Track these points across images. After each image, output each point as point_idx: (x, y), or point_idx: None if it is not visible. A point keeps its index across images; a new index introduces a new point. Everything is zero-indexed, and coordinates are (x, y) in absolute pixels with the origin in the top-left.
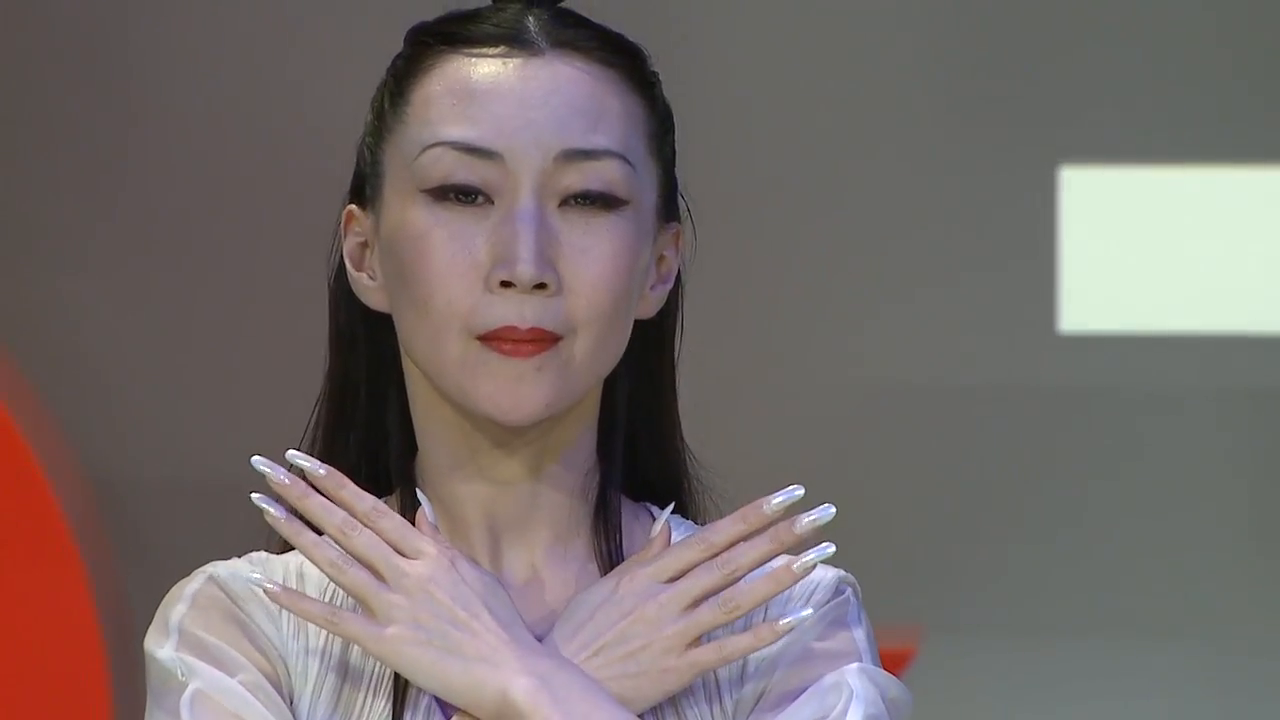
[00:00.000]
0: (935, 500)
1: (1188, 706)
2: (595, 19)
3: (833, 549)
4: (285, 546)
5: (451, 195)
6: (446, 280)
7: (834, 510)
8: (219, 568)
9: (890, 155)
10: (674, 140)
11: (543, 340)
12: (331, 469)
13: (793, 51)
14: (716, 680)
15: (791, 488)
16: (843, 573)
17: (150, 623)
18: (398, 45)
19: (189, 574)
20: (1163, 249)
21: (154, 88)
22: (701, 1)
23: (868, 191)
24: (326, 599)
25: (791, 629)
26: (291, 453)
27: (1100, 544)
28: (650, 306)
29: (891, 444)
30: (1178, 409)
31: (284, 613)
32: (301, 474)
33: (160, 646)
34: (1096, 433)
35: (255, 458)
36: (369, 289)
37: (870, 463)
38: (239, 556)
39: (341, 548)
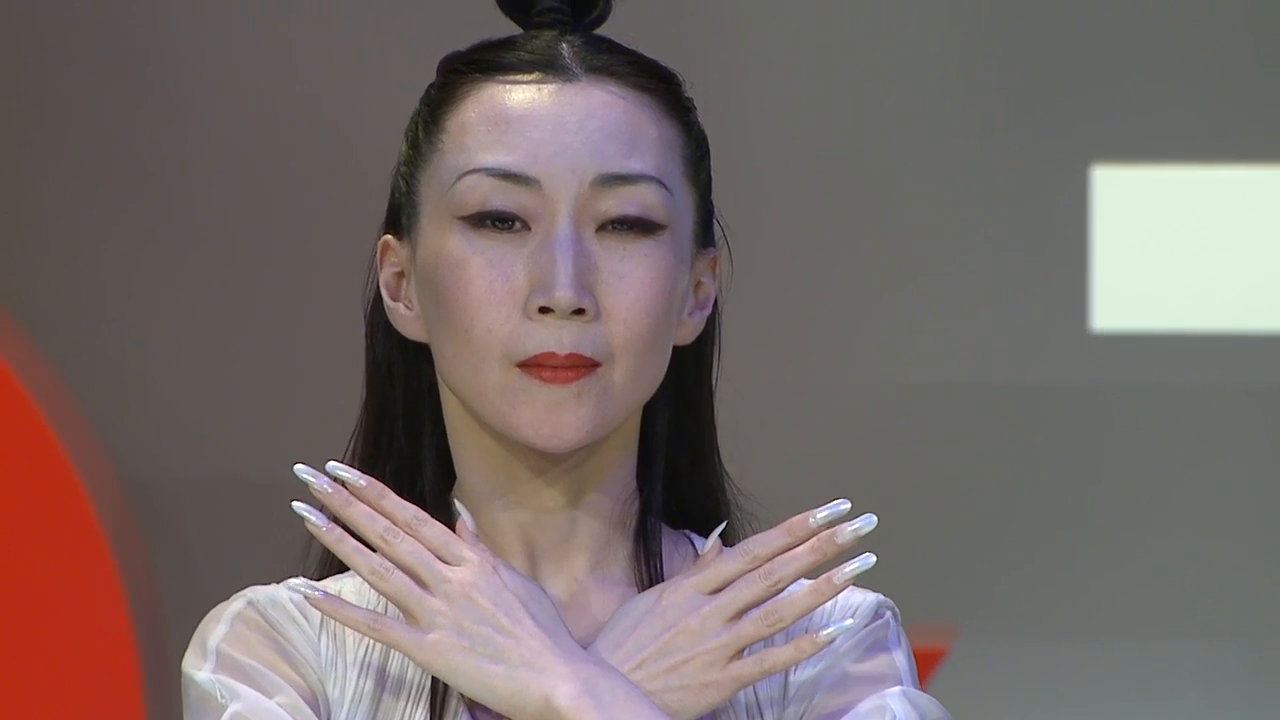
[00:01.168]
0: (968, 499)
1: (1222, 706)
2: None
3: (874, 560)
4: (323, 572)
5: (489, 222)
6: (485, 308)
7: (875, 520)
8: (257, 592)
9: (922, 156)
10: (710, 166)
11: (581, 366)
12: (372, 480)
13: (822, 53)
14: (758, 698)
15: (838, 501)
16: (882, 597)
17: (178, 625)
18: (425, 43)
19: (220, 575)
20: (1195, 247)
21: (184, 81)
22: (729, 6)
23: (899, 193)
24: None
25: (833, 640)
26: (332, 464)
27: (1135, 542)
28: (688, 333)
29: (924, 443)
30: (1211, 407)
31: (321, 634)
32: (343, 485)
33: (198, 669)
34: (1130, 431)
35: (298, 466)
36: (406, 319)
37: (903, 462)
38: (277, 582)
39: (383, 555)
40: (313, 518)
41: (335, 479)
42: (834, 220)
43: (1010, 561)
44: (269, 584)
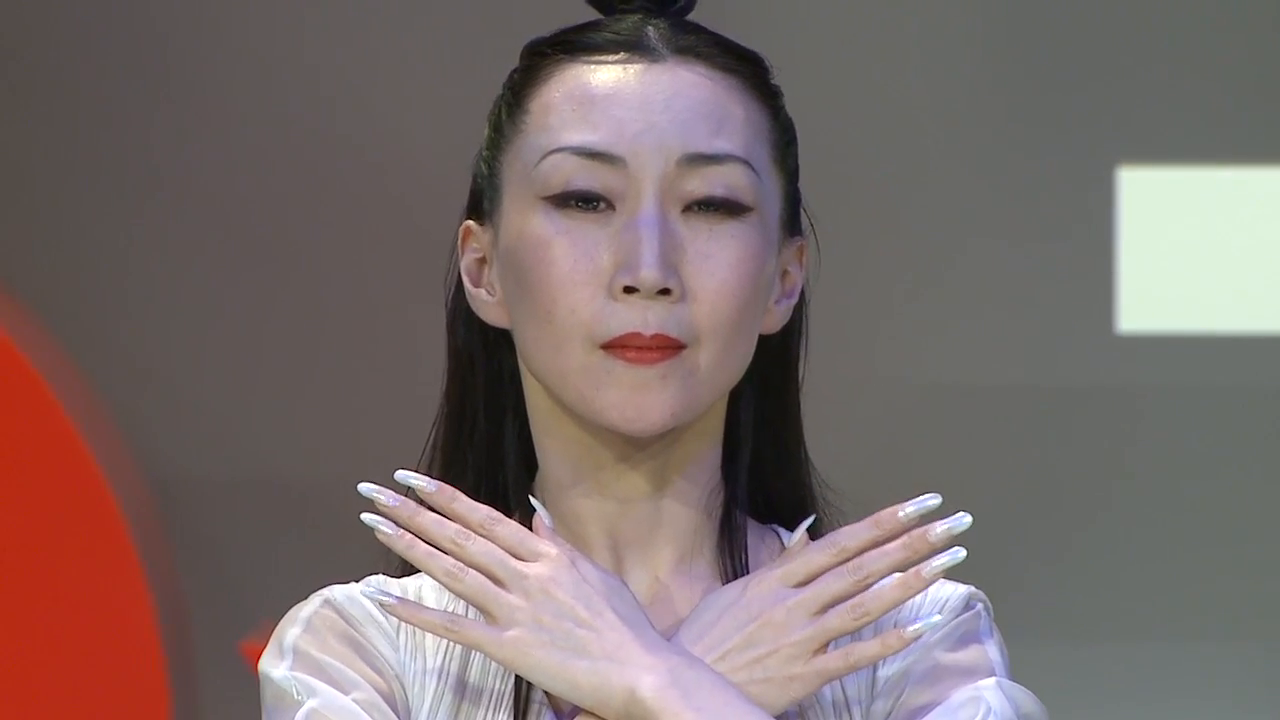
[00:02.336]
0: (991, 501)
1: (1250, 709)
2: None
3: (964, 554)
4: (404, 570)
5: (573, 202)
6: (569, 288)
7: (969, 519)
8: (335, 591)
9: (947, 157)
10: (797, 153)
11: (667, 348)
12: (441, 484)
13: (848, 52)
14: (845, 695)
15: (927, 496)
16: (973, 588)
17: (203, 625)
18: (444, 42)
19: (245, 575)
20: (1222, 249)
21: (205, 79)
22: (756, 7)
23: (924, 194)
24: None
25: (919, 635)
26: (401, 473)
27: (1161, 544)
28: (775, 321)
29: (947, 444)
30: (1238, 408)
31: (400, 633)
32: (411, 493)
33: (275, 667)
34: (1155, 432)
35: (362, 485)
36: (487, 305)
37: (925, 462)
38: (357, 581)
39: (457, 559)
40: (383, 527)
41: (404, 487)
42: (857, 220)
43: (1034, 563)
44: (347, 582)
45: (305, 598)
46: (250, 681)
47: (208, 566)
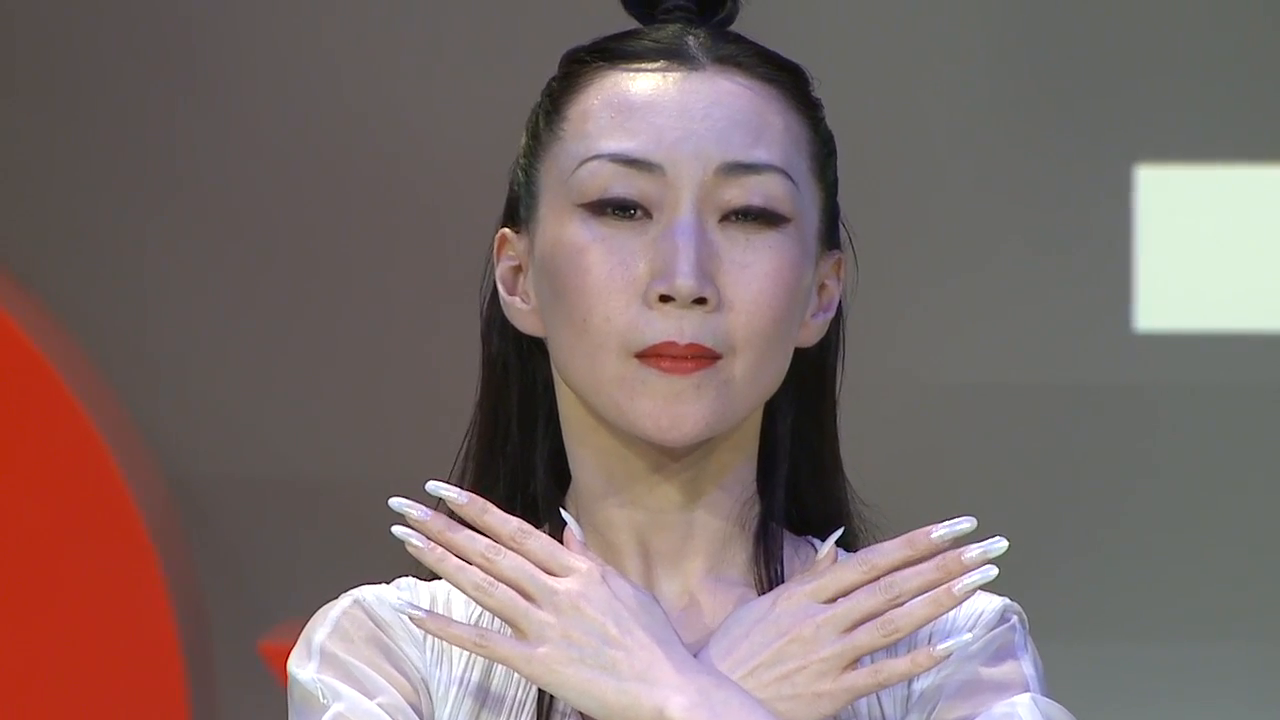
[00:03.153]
0: (1009, 500)
1: (1264, 709)
2: None
3: (995, 572)
4: (434, 573)
5: (609, 210)
6: (604, 296)
7: (1005, 544)
8: (365, 592)
9: (965, 156)
10: (836, 166)
11: (702, 357)
12: (473, 496)
13: (865, 52)
14: (881, 709)
15: (962, 518)
16: (1008, 600)
17: (222, 622)
18: (465, 44)
19: (263, 573)
20: (1239, 247)
21: (225, 78)
22: (772, 13)
23: (943, 193)
24: (475, 624)
25: (950, 654)
26: (432, 484)
27: (1179, 543)
28: (811, 335)
29: (965, 443)
30: (1256, 407)
31: (428, 638)
32: (442, 505)
33: (302, 668)
34: (1173, 431)
35: (393, 499)
36: (522, 313)
37: (943, 462)
38: (387, 582)
39: (487, 573)
40: (413, 539)
41: (435, 498)
42: (875, 219)
43: (1052, 562)
44: (374, 582)
45: (322, 596)
46: (268, 679)
47: (226, 565)
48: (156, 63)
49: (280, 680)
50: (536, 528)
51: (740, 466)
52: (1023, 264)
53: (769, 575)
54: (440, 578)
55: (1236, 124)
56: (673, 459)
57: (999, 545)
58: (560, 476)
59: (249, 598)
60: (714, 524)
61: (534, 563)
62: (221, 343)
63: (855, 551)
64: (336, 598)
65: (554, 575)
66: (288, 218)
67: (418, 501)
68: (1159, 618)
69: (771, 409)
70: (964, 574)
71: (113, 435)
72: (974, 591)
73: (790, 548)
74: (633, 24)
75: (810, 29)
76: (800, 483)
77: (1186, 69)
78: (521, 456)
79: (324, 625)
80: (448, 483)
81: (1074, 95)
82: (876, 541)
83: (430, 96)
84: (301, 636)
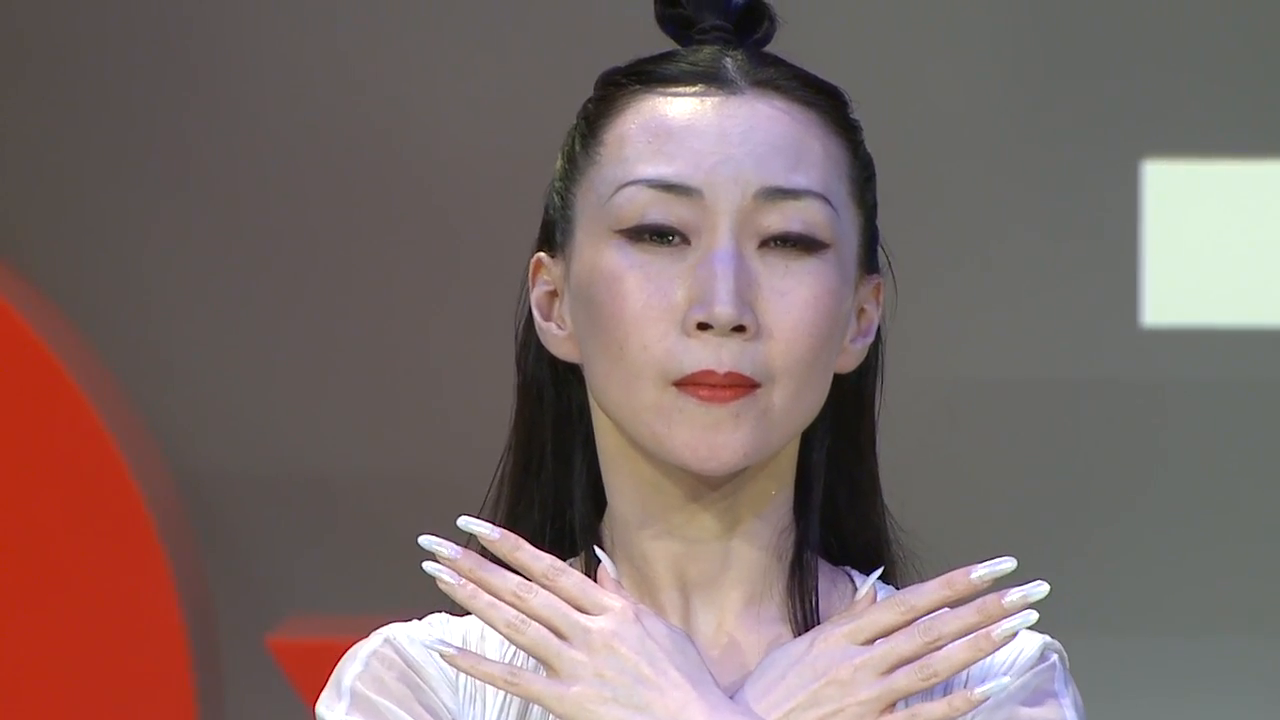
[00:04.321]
0: (1017, 495)
1: (1273, 703)
2: None
3: (1035, 616)
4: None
5: (647, 236)
6: (641, 324)
7: (1047, 588)
8: (396, 630)
9: (973, 151)
10: (875, 189)
11: (741, 386)
12: (505, 532)
13: (872, 48)
14: None
15: (1001, 559)
16: (1048, 639)
17: (229, 619)
18: (469, 42)
19: (271, 570)
20: (1246, 242)
21: (229, 74)
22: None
23: (950, 189)
24: (508, 661)
25: (988, 698)
26: (463, 520)
27: (1186, 538)
28: (850, 360)
29: (974, 439)
30: (1263, 402)
31: (460, 678)
32: (474, 540)
33: (332, 709)
34: (1180, 426)
35: (422, 537)
36: (557, 339)
37: (951, 457)
38: (419, 619)
39: (519, 611)
40: (444, 576)
41: (468, 536)
42: (882, 215)
43: (1059, 556)
44: (409, 620)
45: (329, 592)
46: (274, 674)
47: (233, 560)
48: (162, 60)
49: (286, 674)
50: (570, 554)
51: (777, 495)
52: (1030, 259)
53: (803, 610)
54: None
55: (1244, 119)
56: (710, 488)
57: (1040, 589)
58: (596, 503)
59: (256, 593)
60: (751, 554)
61: (567, 600)
62: (229, 339)
63: (894, 582)
64: (367, 636)
65: (587, 613)
66: (295, 214)
67: (447, 538)
68: (1166, 613)
69: (808, 436)
70: (1003, 617)
71: (120, 431)
72: (1014, 636)
73: (827, 579)
74: (667, 44)
75: (818, 22)
76: (838, 511)
77: (1194, 64)
78: (556, 483)
79: (354, 665)
80: (479, 517)
81: (1081, 91)
82: (916, 570)
83: (434, 90)
84: (332, 677)
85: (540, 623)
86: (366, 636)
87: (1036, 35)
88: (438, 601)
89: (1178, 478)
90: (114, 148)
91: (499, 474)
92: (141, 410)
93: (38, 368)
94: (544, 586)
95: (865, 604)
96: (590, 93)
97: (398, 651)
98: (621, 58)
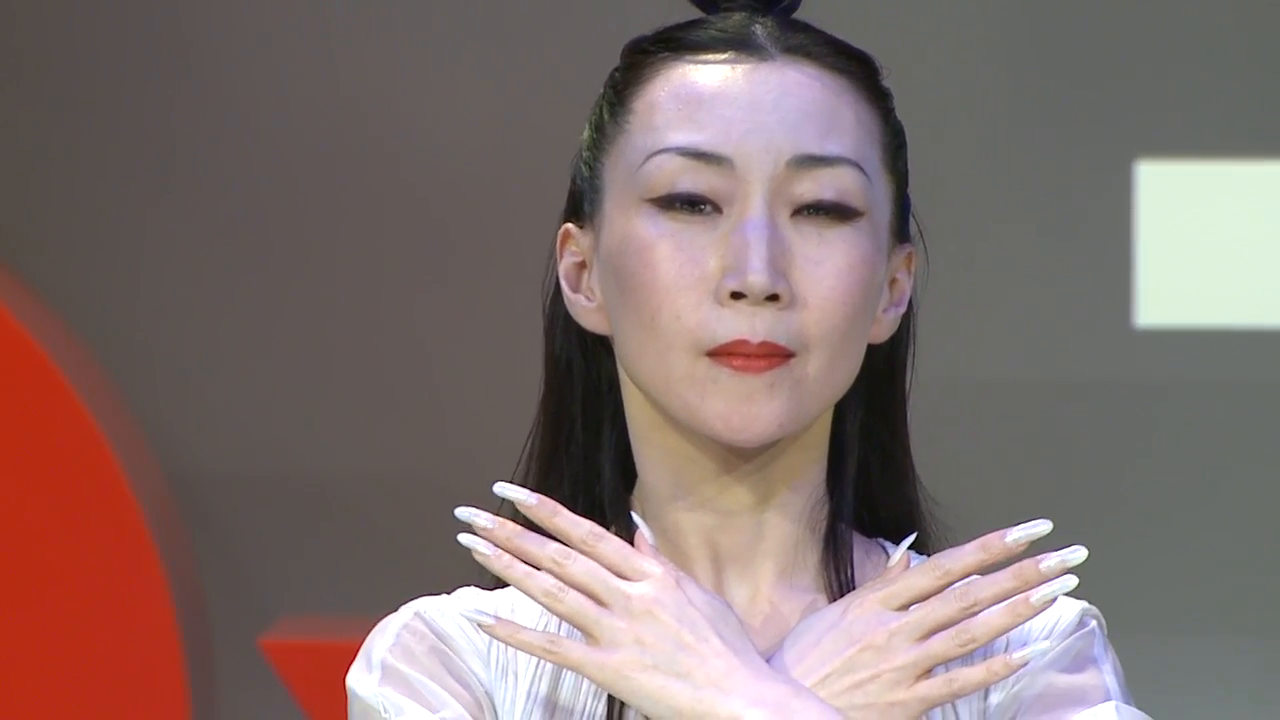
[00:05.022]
0: (1009, 495)
1: (1261, 703)
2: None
3: (1075, 581)
4: (496, 583)
5: (678, 204)
6: (674, 293)
7: (1085, 552)
8: (426, 603)
9: (966, 152)
10: (907, 157)
11: (775, 355)
12: (543, 498)
13: (865, 48)
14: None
15: (1038, 521)
16: (1086, 604)
17: (222, 619)
18: (460, 35)
19: (264, 570)
20: (1240, 243)
21: (221, 71)
22: None
23: (944, 189)
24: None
25: (1027, 662)
26: (499, 486)
27: (1179, 539)
28: (883, 330)
29: (967, 440)
30: (1257, 403)
31: (491, 650)
32: (508, 506)
33: (363, 682)
34: (1173, 427)
35: (459, 509)
36: (586, 311)
37: (946, 459)
38: (447, 594)
39: (558, 579)
40: (480, 547)
41: (502, 502)
42: None
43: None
44: (439, 594)
45: (322, 592)
46: (267, 675)
47: (226, 561)
48: (152, 59)
49: (279, 675)
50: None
51: (811, 466)
52: (1023, 260)
53: (838, 580)
54: (504, 587)
55: (1237, 120)
56: (743, 459)
57: (1078, 554)
58: (626, 477)
59: (249, 594)
60: (784, 526)
61: (606, 567)
62: (222, 340)
63: (927, 552)
64: (396, 609)
65: (626, 580)
66: (286, 215)
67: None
68: (1156, 613)
69: (841, 407)
70: (1040, 582)
71: (114, 432)
72: (1052, 602)
73: (861, 551)
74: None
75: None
76: (871, 483)
77: (1187, 65)
78: (586, 457)
79: (385, 638)
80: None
81: (1074, 91)
82: (949, 542)
83: (424, 86)
84: (361, 650)
85: (579, 590)
86: (364, 637)
87: (1030, 36)
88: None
89: (1170, 478)
90: (106, 147)
91: (527, 448)
92: (135, 411)
93: (30, 368)
94: (583, 552)
95: (899, 570)
96: (583, 94)
97: (428, 624)
98: (615, 57)
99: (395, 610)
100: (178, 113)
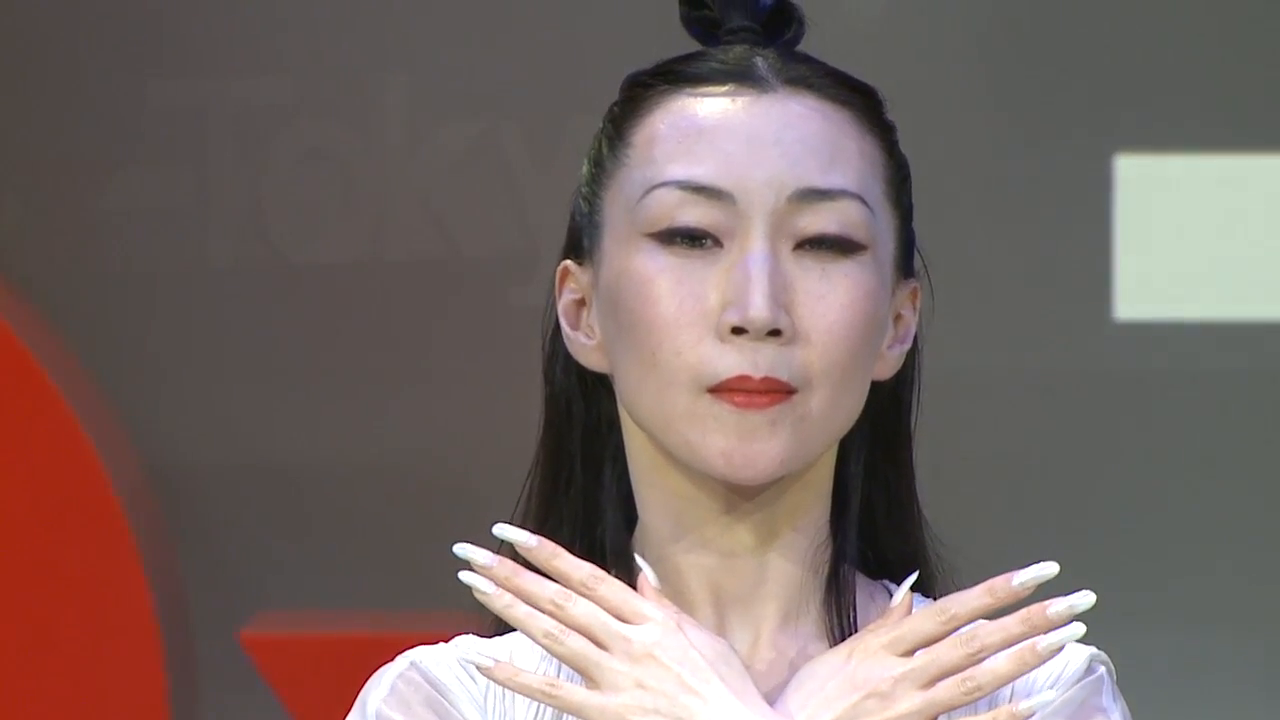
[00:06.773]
0: (987, 489)
1: (1245, 700)
2: None
3: (1083, 629)
4: (496, 630)
5: (678, 239)
6: (674, 329)
7: (1093, 597)
8: (422, 653)
9: (944, 145)
10: (911, 190)
11: (777, 392)
12: (542, 539)
13: (843, 48)
14: None
15: (1044, 564)
16: (1094, 650)
17: (202, 613)
18: (449, 32)
19: (244, 563)
20: (1218, 236)
21: (208, 57)
22: None
23: (922, 183)
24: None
25: (1032, 713)
26: (499, 527)
27: (1157, 532)
28: (887, 367)
29: (945, 433)
30: (1236, 395)
31: (488, 699)
32: (508, 548)
33: None
34: (1153, 420)
35: (457, 545)
36: (586, 348)
37: (925, 451)
38: (445, 642)
39: (557, 620)
40: (480, 585)
41: (501, 543)
42: None
43: (1030, 550)
44: (435, 644)
45: (302, 585)
46: (247, 668)
47: (206, 554)
48: (141, 45)
49: (258, 669)
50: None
51: (814, 507)
52: (1001, 253)
53: (841, 624)
54: (503, 632)
55: (1216, 114)
56: (745, 499)
57: (1086, 600)
58: (627, 518)
59: (228, 587)
60: (787, 568)
61: (607, 610)
62: (201, 331)
63: (932, 594)
64: (392, 659)
65: (627, 623)
66: (266, 204)
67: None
68: (1132, 607)
69: (844, 446)
70: (1048, 628)
71: (92, 425)
72: (1059, 650)
73: (864, 594)
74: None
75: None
76: (875, 523)
77: (1165, 59)
78: (585, 497)
79: (380, 688)
80: (513, 525)
81: (1053, 85)
82: (955, 584)
83: (420, 84)
84: (356, 701)
85: (580, 632)
86: (342, 630)
87: (1009, 30)
88: (412, 595)
89: (1150, 471)
90: (83, 138)
91: (526, 488)
92: (113, 404)
93: (8, 359)
94: (583, 595)
95: (901, 612)
96: (579, 96)
97: (423, 674)
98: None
99: (390, 661)
100: (151, 99)
